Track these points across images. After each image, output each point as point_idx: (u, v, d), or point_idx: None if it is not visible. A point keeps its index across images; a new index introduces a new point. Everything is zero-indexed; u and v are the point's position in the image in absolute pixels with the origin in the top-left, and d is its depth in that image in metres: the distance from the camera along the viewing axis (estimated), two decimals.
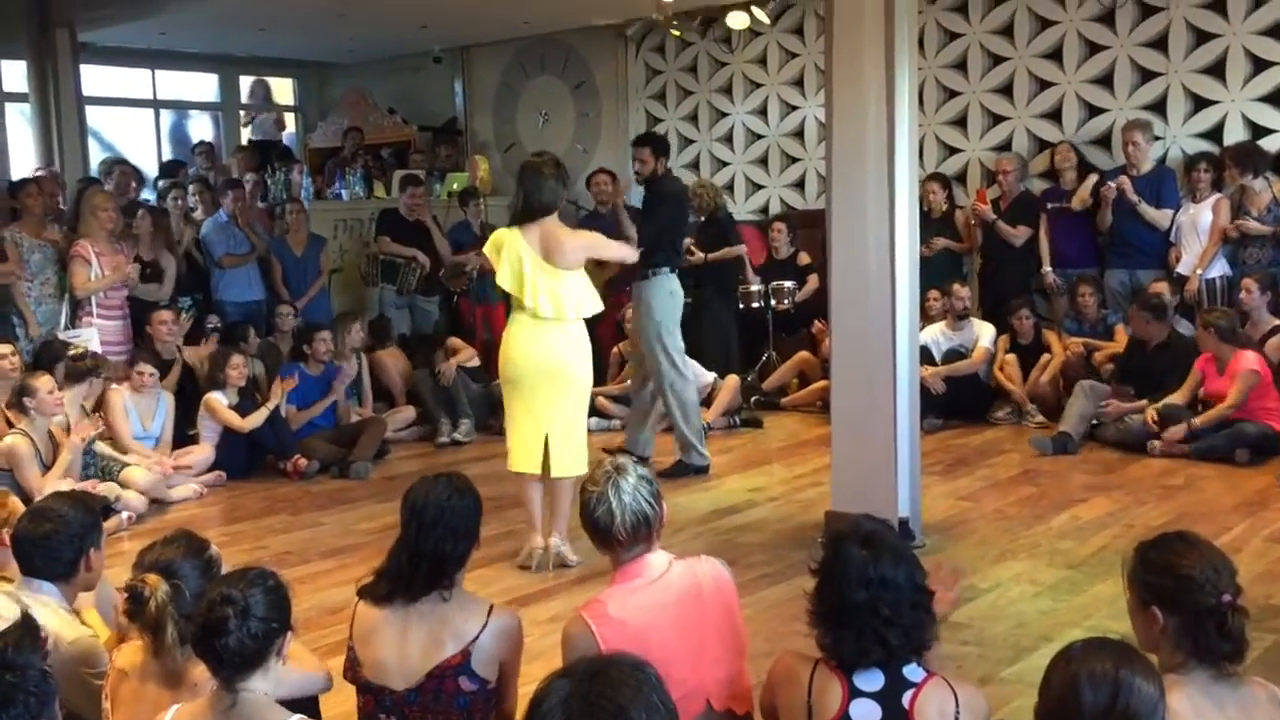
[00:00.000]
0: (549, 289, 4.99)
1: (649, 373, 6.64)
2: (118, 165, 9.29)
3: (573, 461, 5.05)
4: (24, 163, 8.96)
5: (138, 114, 12.22)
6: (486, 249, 5.16)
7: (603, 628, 2.58)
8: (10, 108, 8.43)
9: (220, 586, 2.37)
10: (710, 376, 8.10)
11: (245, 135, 12.79)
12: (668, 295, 6.52)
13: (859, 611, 2.29)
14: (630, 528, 2.68)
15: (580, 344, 5.15)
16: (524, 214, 5.05)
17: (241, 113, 13.04)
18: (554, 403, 5.05)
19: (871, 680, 2.31)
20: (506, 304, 5.31)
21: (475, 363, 8.27)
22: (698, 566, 2.74)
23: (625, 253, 5.67)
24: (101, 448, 6.35)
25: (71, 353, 6.57)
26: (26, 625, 2.05)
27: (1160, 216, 7.73)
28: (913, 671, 2.32)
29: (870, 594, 2.29)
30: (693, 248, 8.59)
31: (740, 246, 8.71)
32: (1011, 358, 7.83)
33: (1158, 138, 7.99)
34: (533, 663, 3.07)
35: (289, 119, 13.33)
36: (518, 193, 5.13)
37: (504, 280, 5.05)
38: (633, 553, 2.71)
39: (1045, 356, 7.75)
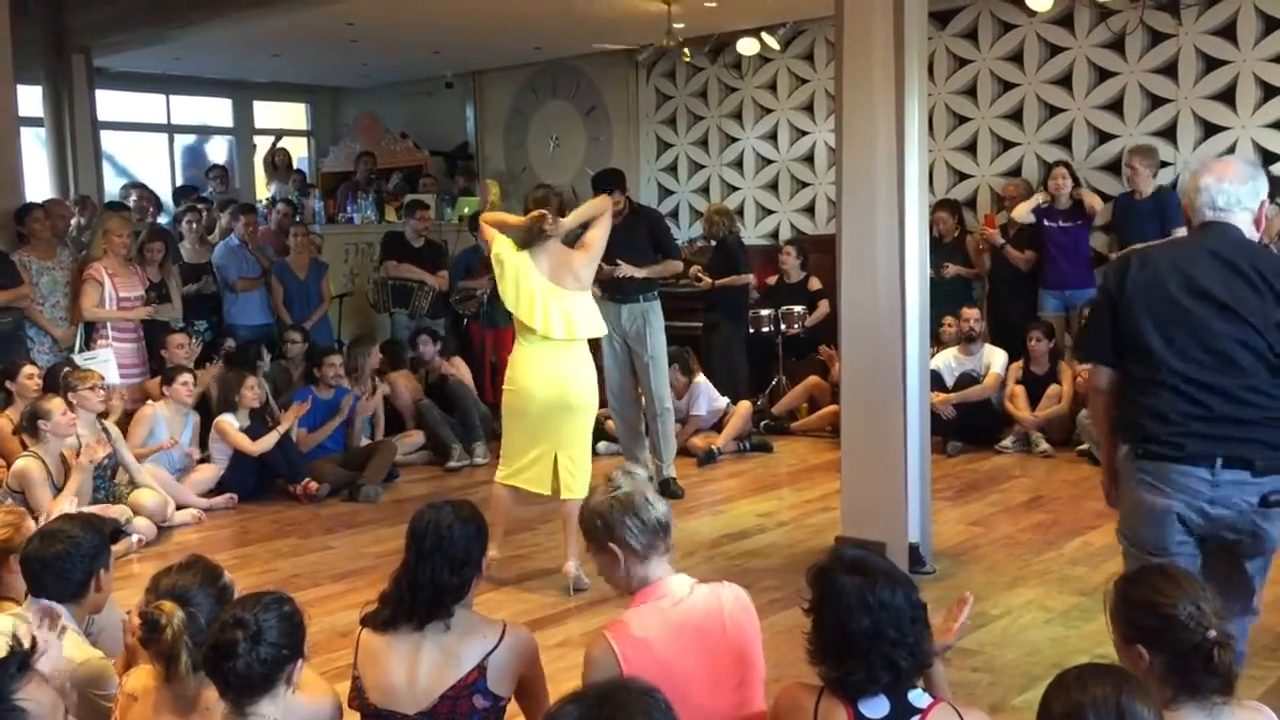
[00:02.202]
0: (560, 309, 5.05)
1: (652, 389, 6.71)
2: (135, 189, 9.38)
3: (584, 484, 5.07)
4: (38, 187, 9.01)
5: (152, 138, 12.32)
6: (492, 255, 5.15)
7: (626, 648, 2.56)
8: (25, 132, 8.49)
9: (235, 608, 2.36)
10: (724, 402, 8.11)
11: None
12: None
13: (864, 639, 2.27)
14: (641, 528, 2.66)
15: (588, 365, 5.21)
16: (527, 242, 5.11)
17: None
18: (565, 426, 5.08)
19: (877, 707, 2.28)
20: (514, 328, 5.34)
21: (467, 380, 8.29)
22: (722, 592, 2.72)
23: (606, 222, 5.27)
24: (126, 461, 6.35)
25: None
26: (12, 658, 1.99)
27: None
28: (918, 697, 2.31)
29: (873, 619, 2.27)
30: (700, 273, 8.60)
31: (748, 276, 8.72)
32: (1020, 389, 7.78)
33: (1166, 164, 7.99)
34: None
35: (301, 143, 13.40)
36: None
37: (508, 298, 5.10)
38: (645, 568, 2.69)
39: (1055, 387, 7.69)
